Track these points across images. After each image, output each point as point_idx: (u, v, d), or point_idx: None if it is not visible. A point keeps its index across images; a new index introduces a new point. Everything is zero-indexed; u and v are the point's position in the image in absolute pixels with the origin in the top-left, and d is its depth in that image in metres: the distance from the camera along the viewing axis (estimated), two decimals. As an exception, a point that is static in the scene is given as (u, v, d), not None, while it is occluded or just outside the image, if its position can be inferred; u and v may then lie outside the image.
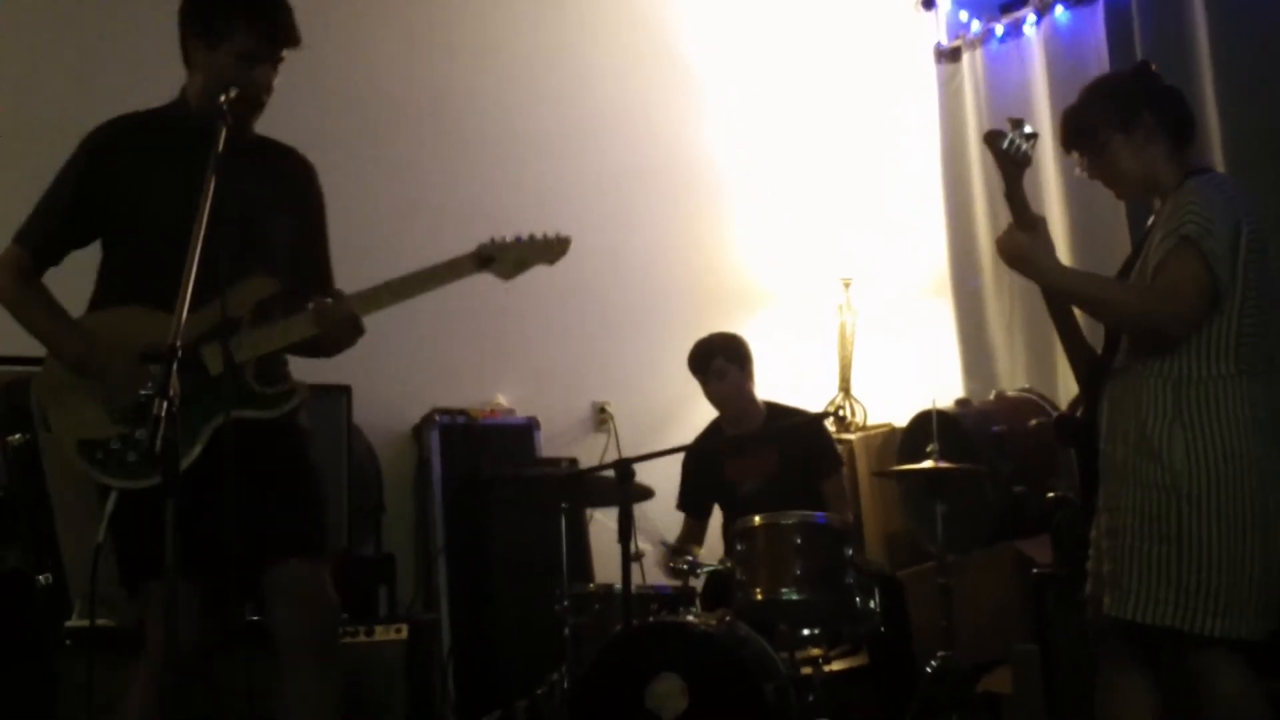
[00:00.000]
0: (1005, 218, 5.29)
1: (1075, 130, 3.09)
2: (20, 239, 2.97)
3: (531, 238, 3.10)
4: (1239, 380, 2.81)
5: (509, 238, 3.07)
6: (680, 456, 4.69)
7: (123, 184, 2.93)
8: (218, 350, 2.82)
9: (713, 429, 4.86)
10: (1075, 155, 3.12)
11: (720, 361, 4.69)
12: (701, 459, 4.75)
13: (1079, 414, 3.11)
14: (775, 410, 4.80)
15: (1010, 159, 3.01)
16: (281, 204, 3.09)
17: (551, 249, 3.12)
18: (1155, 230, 2.93)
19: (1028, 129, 3.02)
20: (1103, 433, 2.97)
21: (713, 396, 4.76)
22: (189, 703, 2.85)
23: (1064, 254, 4.93)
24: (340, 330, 2.97)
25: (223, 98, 2.74)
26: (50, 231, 2.97)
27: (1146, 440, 2.83)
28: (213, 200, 2.61)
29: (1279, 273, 2.98)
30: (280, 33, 2.97)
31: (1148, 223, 3.05)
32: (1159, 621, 2.78)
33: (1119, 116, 3.00)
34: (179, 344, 2.38)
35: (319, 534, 3.04)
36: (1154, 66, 3.23)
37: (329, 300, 2.94)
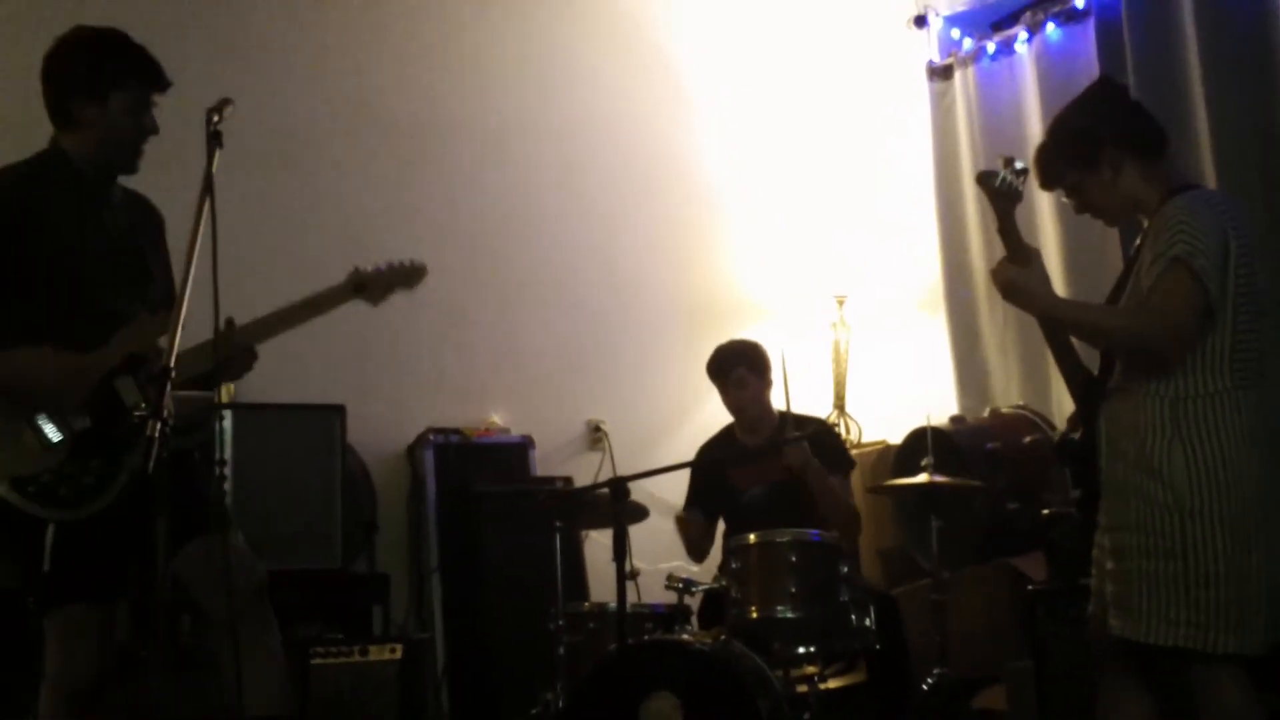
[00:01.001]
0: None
1: (1046, 174, 3.13)
2: None
3: (391, 265, 3.29)
4: (1234, 394, 2.83)
5: (375, 266, 3.26)
6: (689, 467, 4.70)
7: (23, 234, 3.01)
8: (131, 384, 2.95)
9: (725, 434, 4.86)
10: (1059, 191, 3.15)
11: (741, 371, 4.69)
12: (709, 464, 4.76)
13: (1078, 434, 3.12)
14: (787, 418, 4.81)
15: (1003, 196, 3.06)
16: (157, 244, 3.26)
17: (411, 275, 3.31)
18: (1144, 250, 2.94)
19: (1019, 164, 3.07)
20: (1102, 452, 2.98)
21: (730, 404, 4.76)
22: None
23: (1058, 274, 4.98)
24: (236, 359, 3.09)
25: (215, 118, 2.74)
26: None
27: (1146, 458, 2.84)
28: (113, 235, 2.92)
29: (1269, 283, 2.99)
30: (160, 78, 3.12)
31: (1136, 241, 3.06)
32: (1171, 643, 2.78)
33: (1080, 158, 3.03)
34: (173, 366, 2.42)
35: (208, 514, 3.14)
36: (1112, 80, 3.24)
37: (224, 330, 2.99)
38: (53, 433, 2.91)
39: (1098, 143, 3.00)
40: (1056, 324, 3.11)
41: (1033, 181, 3.14)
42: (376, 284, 3.24)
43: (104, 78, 3.04)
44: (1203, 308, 2.80)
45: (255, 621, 3.07)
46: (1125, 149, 3.00)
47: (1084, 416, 3.10)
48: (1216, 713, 2.80)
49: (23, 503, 2.88)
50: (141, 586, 2.92)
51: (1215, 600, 2.75)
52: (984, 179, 3.07)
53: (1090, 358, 3.15)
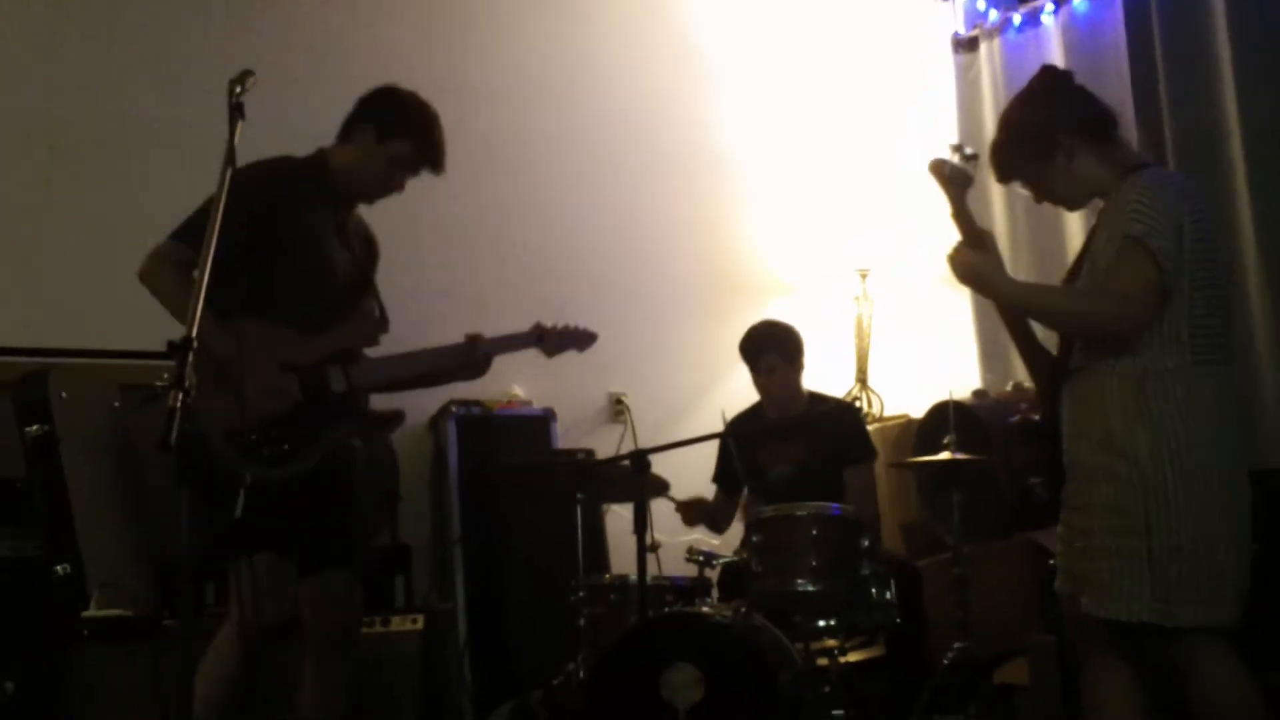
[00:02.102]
0: (1021, 204, 5.34)
1: (1001, 169, 3.16)
2: (180, 235, 3.23)
3: (569, 328, 3.74)
4: (1196, 370, 2.83)
5: (554, 324, 3.71)
6: (711, 439, 4.70)
7: (281, 215, 3.28)
8: (340, 373, 3.31)
9: (754, 410, 4.86)
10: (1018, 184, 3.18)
11: (772, 358, 4.70)
12: (738, 438, 4.76)
13: (1037, 416, 3.14)
14: (816, 398, 4.82)
15: (954, 182, 3.12)
16: (373, 266, 3.61)
17: (584, 340, 3.78)
18: (1100, 229, 2.96)
19: (968, 150, 3.13)
20: (1065, 433, 2.99)
21: (760, 387, 4.77)
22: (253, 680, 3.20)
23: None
24: (477, 364, 3.60)
25: (238, 89, 2.74)
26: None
27: (1110, 437, 2.85)
28: (349, 244, 3.38)
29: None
30: (434, 162, 3.47)
31: (1094, 223, 3.07)
32: (1136, 618, 2.80)
33: (1033, 149, 3.04)
34: (194, 336, 2.43)
35: (354, 547, 3.46)
36: (1055, 69, 3.27)
37: (474, 338, 3.55)
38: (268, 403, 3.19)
39: (1049, 132, 3.02)
40: (1013, 308, 3.12)
41: (984, 168, 3.16)
42: (552, 339, 3.69)
43: (397, 125, 3.42)
44: (1160, 286, 2.80)
45: (332, 661, 3.35)
46: (1077, 135, 3.01)
47: (1046, 398, 3.12)
48: (1199, 689, 2.80)
49: (230, 454, 3.12)
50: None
51: (1180, 575, 2.76)
52: (936, 166, 3.13)
53: (1048, 338, 3.15)
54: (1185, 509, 2.77)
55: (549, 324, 3.65)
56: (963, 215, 3.14)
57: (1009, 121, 3.15)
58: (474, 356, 3.55)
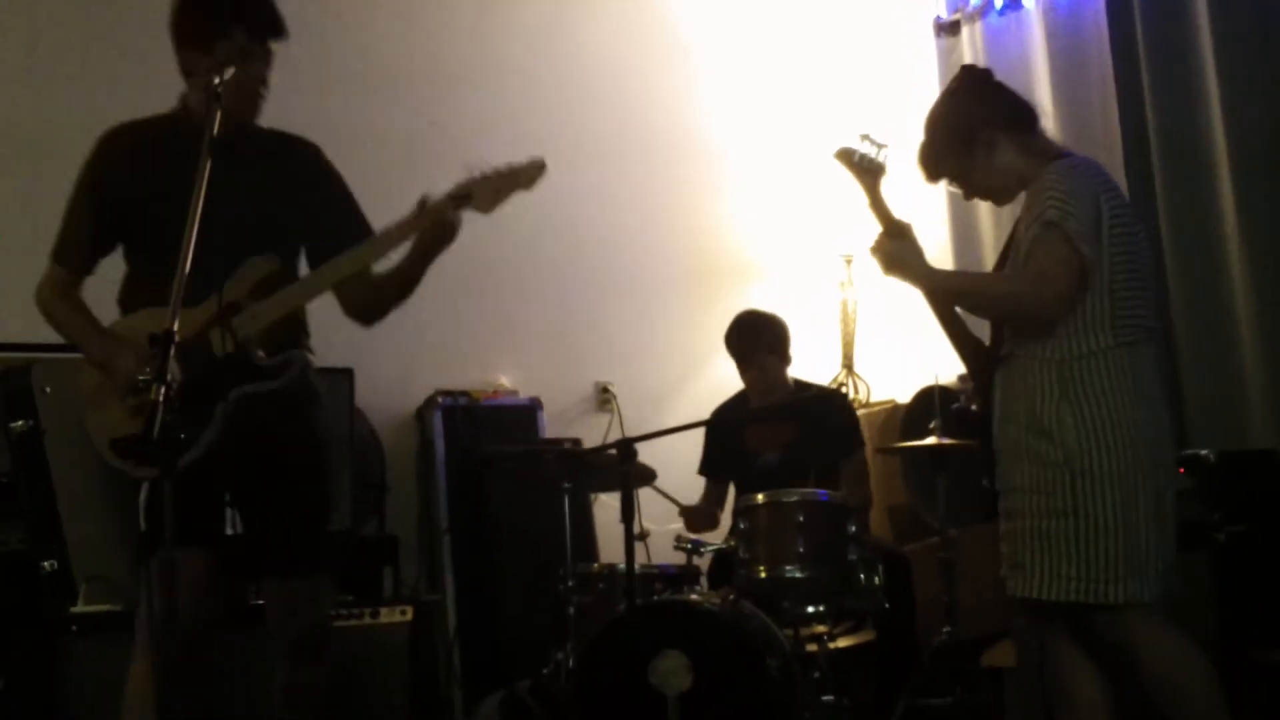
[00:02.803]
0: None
1: (927, 169, 3.20)
2: (55, 257, 3.12)
3: (501, 169, 3.13)
4: (1119, 352, 2.88)
5: (482, 171, 3.10)
6: (698, 427, 4.70)
7: (134, 191, 3.03)
8: (219, 331, 2.90)
9: (740, 398, 4.86)
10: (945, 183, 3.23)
11: (764, 355, 4.69)
12: (724, 425, 4.76)
13: (974, 406, 3.18)
14: (801, 386, 4.82)
15: (865, 171, 3.21)
16: (296, 193, 3.14)
17: (525, 175, 3.15)
18: (1022, 218, 3.00)
19: (878, 138, 3.21)
20: (995, 418, 3.04)
21: (747, 380, 4.77)
22: (188, 681, 2.91)
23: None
24: (441, 233, 3.06)
25: (216, 80, 2.73)
26: (76, 245, 3.11)
27: (1036, 419, 2.89)
28: (212, 194, 2.64)
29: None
30: (271, 25, 3.06)
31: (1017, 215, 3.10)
32: (1062, 597, 2.85)
33: (955, 145, 3.10)
34: (176, 330, 2.40)
35: (316, 550, 3.15)
36: (973, 69, 3.36)
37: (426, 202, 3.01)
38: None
39: (969, 127, 3.07)
40: (940, 295, 3.19)
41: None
42: (484, 190, 3.08)
43: (208, 24, 2.99)
44: (1076, 267, 2.85)
45: (302, 665, 3.13)
46: (997, 128, 3.06)
47: (979, 387, 3.20)
48: (1144, 666, 2.85)
49: (119, 463, 2.93)
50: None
51: (1104, 553, 2.81)
52: (843, 155, 3.23)
53: (979, 328, 3.20)
54: (1109, 489, 2.82)
55: (475, 173, 3.07)
56: (879, 205, 3.23)
57: (930, 120, 3.19)
58: (428, 220, 3.05)
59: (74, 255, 3.11)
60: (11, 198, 4.78)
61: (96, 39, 5.05)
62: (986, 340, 3.19)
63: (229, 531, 3.07)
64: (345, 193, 3.25)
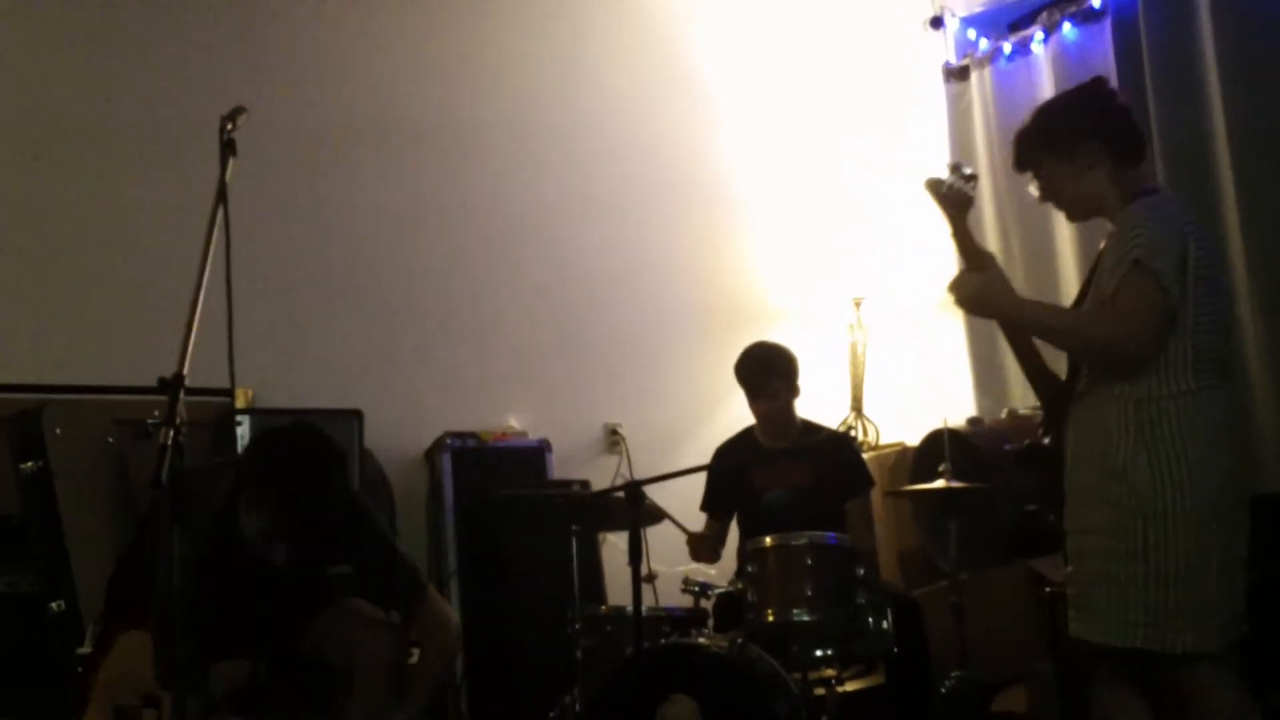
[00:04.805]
0: (1016, 230, 5.34)
1: (1021, 155, 3.14)
2: None
3: None
4: (1199, 395, 2.84)
5: None
6: (706, 470, 4.71)
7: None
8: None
9: (745, 435, 4.84)
10: (1029, 175, 3.16)
11: (776, 384, 4.67)
12: (730, 462, 4.75)
13: (1046, 440, 3.13)
14: (809, 427, 4.80)
15: (952, 202, 3.12)
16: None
17: None
18: (1106, 255, 2.96)
19: (967, 169, 3.13)
20: (1067, 457, 3.00)
21: (758, 412, 4.74)
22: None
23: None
24: None
25: (229, 127, 2.76)
26: None
27: (1110, 461, 2.86)
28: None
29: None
30: None
31: (1100, 247, 3.07)
32: (1128, 643, 2.81)
33: (1061, 144, 3.04)
34: (184, 373, 2.41)
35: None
36: (1107, 82, 3.28)
37: None
38: None
39: (1079, 134, 3.02)
40: (1019, 327, 3.13)
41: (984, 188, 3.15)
42: None
43: None
44: (1165, 310, 2.81)
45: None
46: (1105, 147, 3.02)
47: (1051, 421, 3.12)
48: (1204, 713, 2.80)
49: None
50: None
51: (1172, 600, 2.77)
52: (932, 185, 3.13)
53: (1058, 363, 3.15)
54: (1182, 535, 2.77)
55: None
56: (962, 235, 3.15)
57: (1047, 111, 3.15)
58: None
59: None
60: (18, 242, 4.81)
61: (100, 61, 5.07)
62: (1062, 374, 3.13)
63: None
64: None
